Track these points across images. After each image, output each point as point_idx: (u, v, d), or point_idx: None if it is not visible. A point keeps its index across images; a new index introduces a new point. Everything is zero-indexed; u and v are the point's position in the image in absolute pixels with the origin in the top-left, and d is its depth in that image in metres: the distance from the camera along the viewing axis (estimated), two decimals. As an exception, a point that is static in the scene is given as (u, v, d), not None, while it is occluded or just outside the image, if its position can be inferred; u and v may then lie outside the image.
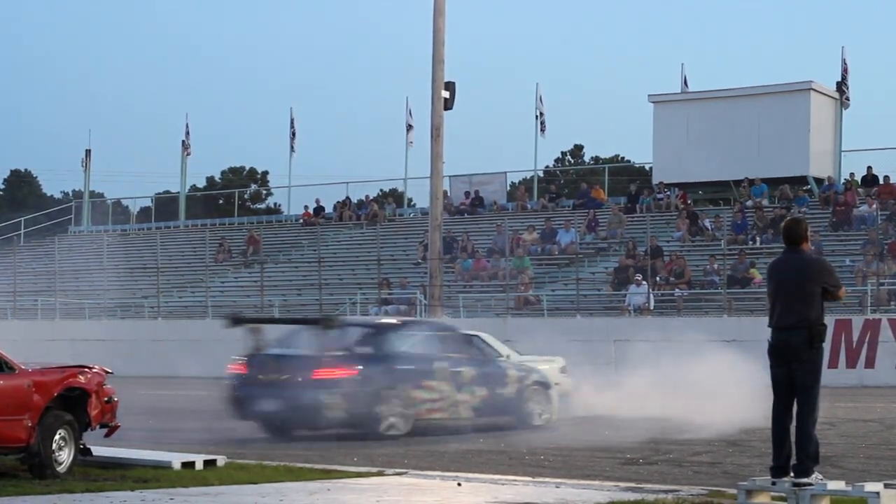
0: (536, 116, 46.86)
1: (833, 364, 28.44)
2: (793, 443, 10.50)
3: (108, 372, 13.41)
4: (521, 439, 17.21)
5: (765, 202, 38.36)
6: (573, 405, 21.23)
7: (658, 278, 34.52)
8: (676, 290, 34.03)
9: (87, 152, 56.65)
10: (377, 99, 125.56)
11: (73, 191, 77.94)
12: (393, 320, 21.36)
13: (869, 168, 39.17)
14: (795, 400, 10.57)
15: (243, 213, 59.25)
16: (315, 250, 41.49)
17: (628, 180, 48.18)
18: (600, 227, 39.67)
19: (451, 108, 34.73)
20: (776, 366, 10.65)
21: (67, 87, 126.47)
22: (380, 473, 13.06)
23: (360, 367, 17.55)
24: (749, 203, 38.28)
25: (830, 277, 10.72)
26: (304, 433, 17.66)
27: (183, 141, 54.43)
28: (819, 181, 39.16)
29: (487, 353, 19.92)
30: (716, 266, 33.95)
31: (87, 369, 12.96)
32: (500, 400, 18.77)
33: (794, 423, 10.57)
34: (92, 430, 12.90)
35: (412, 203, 49.95)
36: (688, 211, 38.76)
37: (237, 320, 18.89)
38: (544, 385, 19.60)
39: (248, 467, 13.24)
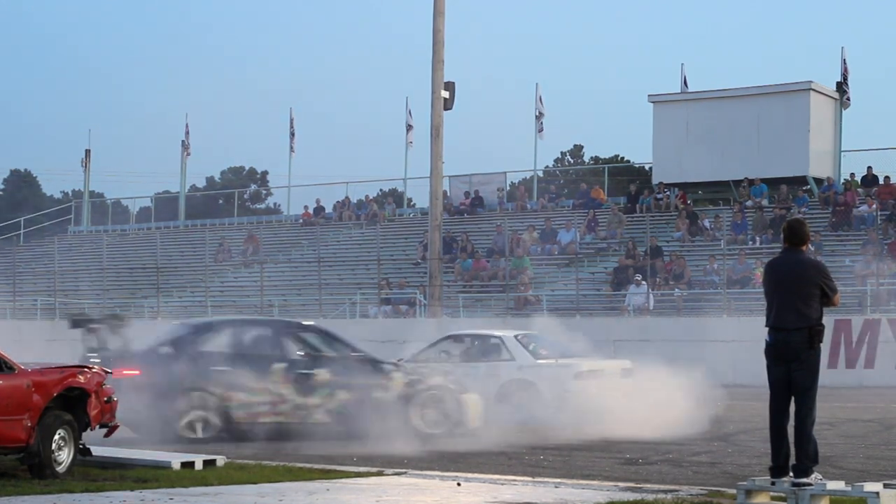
0: (536, 117, 46.88)
1: (833, 364, 28.45)
2: (791, 443, 10.51)
3: (107, 372, 13.42)
4: (520, 439, 17.12)
5: (764, 202, 38.35)
6: None
7: (658, 278, 34.53)
8: (676, 290, 34.04)
9: (87, 152, 56.73)
10: (377, 99, 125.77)
11: (73, 191, 77.95)
12: (217, 319, 20.69)
13: (869, 168, 39.17)
14: (793, 400, 10.59)
15: (243, 213, 59.23)
16: (315, 250, 41.48)
17: (628, 180, 48.15)
18: (600, 227, 39.67)
19: (451, 108, 34.79)
20: (774, 365, 10.64)
21: (67, 87, 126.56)
22: (379, 473, 13.07)
23: (151, 366, 16.95)
24: (749, 203, 38.27)
25: (829, 279, 10.73)
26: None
27: (183, 141, 54.46)
28: (819, 181, 39.14)
29: (364, 356, 18.35)
30: (715, 266, 33.95)
31: (86, 369, 12.96)
32: (371, 404, 17.47)
33: (792, 424, 10.59)
34: (91, 430, 12.91)
35: (412, 203, 49.96)
36: (687, 211, 38.76)
37: (78, 321, 18.37)
38: (448, 391, 18.20)
39: (247, 467, 13.25)
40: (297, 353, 17.75)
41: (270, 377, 17.27)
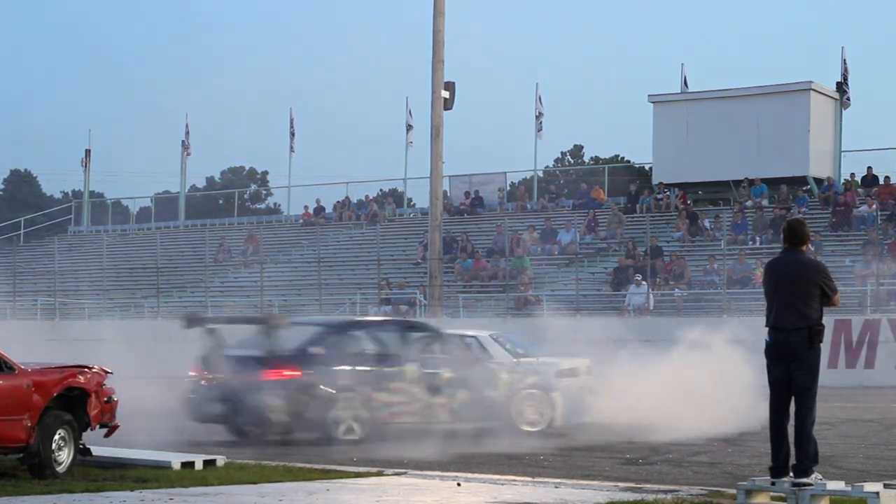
0: (536, 117, 46.90)
1: (833, 364, 28.44)
2: (791, 443, 10.51)
3: (107, 372, 13.40)
4: (518, 441, 17.11)
5: (765, 202, 38.35)
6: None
7: (658, 278, 34.52)
8: (676, 290, 34.04)
9: (87, 152, 56.69)
10: (377, 99, 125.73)
11: (73, 191, 77.90)
12: (352, 319, 20.80)
13: (869, 168, 39.18)
14: (793, 400, 10.59)
15: (243, 213, 59.22)
16: (315, 250, 41.49)
17: (628, 180, 48.15)
18: (600, 227, 39.67)
19: (451, 108, 34.79)
20: (774, 365, 10.65)
21: (67, 87, 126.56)
22: (379, 473, 13.07)
23: (309, 368, 16.87)
24: (749, 203, 38.27)
25: (829, 279, 10.73)
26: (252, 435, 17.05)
27: (183, 141, 54.44)
28: (819, 181, 39.15)
29: (474, 355, 18.98)
30: (715, 266, 33.95)
31: (86, 369, 12.96)
32: (485, 403, 17.90)
33: (792, 423, 10.59)
34: (92, 430, 12.90)
35: (412, 203, 49.96)
36: (688, 211, 38.76)
37: (193, 320, 18.46)
38: (544, 388, 18.64)
39: (247, 467, 13.25)
40: (425, 352, 18.04)
41: (405, 377, 17.48)
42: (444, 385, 17.58)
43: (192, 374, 17.72)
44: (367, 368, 17.21)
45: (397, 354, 17.73)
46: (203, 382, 17.31)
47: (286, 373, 16.64)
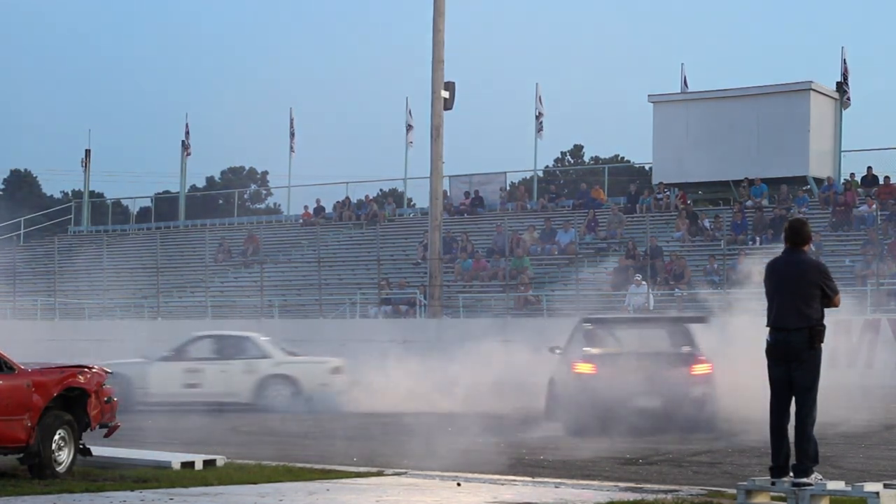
0: (536, 117, 46.88)
1: (833, 364, 28.39)
2: (791, 443, 10.51)
3: (107, 372, 13.41)
4: (522, 438, 17.13)
5: (764, 202, 38.33)
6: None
7: (658, 278, 34.50)
8: (676, 290, 34.02)
9: (87, 152, 56.63)
10: (377, 99, 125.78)
11: (73, 191, 77.84)
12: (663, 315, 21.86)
13: (869, 168, 39.14)
14: (794, 400, 10.59)
15: (243, 213, 59.18)
16: (315, 250, 41.47)
17: (628, 180, 48.11)
18: (600, 227, 39.64)
19: (451, 108, 34.80)
20: (775, 366, 10.65)
21: (67, 87, 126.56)
22: (379, 473, 13.07)
23: (711, 362, 18.24)
24: (749, 203, 38.25)
25: (829, 280, 10.72)
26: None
27: (183, 141, 54.41)
28: (819, 181, 39.12)
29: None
30: (715, 266, 33.93)
31: (86, 369, 12.96)
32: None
33: (792, 423, 10.59)
34: (91, 430, 12.91)
35: (412, 203, 49.92)
36: (687, 211, 38.73)
37: (593, 321, 19.72)
38: None
39: (247, 467, 13.25)
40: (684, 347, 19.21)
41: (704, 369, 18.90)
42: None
43: (582, 371, 18.20)
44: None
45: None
46: (619, 379, 17.71)
47: (706, 367, 18.07)
